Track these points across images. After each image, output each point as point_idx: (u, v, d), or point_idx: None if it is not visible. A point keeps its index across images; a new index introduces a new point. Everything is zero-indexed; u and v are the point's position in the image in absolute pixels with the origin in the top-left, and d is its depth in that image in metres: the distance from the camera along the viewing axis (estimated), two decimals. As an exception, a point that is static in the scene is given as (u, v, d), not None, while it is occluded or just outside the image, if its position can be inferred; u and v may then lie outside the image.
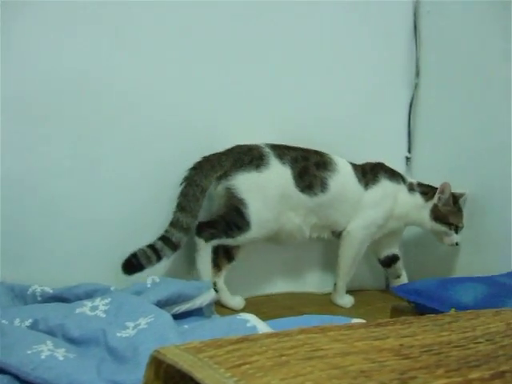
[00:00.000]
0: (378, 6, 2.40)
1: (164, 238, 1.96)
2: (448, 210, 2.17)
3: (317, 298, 2.20)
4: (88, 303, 1.54)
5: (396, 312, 1.85)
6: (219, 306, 1.98)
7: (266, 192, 2.04)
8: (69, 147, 1.96)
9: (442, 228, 2.18)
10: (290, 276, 2.18)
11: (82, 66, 1.95)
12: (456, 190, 2.19)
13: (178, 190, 2.03)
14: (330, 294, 2.26)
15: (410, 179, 2.26)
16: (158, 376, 0.86)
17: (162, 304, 1.61)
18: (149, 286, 1.74)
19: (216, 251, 2.08)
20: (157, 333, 1.36)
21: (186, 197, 2.00)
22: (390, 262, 2.34)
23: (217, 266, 2.08)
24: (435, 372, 0.76)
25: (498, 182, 2.15)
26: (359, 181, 2.18)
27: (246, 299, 2.14)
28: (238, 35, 2.17)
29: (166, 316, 1.45)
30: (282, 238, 2.14)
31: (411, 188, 2.22)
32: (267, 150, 2.08)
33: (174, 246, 1.96)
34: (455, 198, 2.18)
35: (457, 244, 2.18)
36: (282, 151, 2.09)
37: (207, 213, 2.10)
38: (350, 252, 2.19)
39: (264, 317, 1.52)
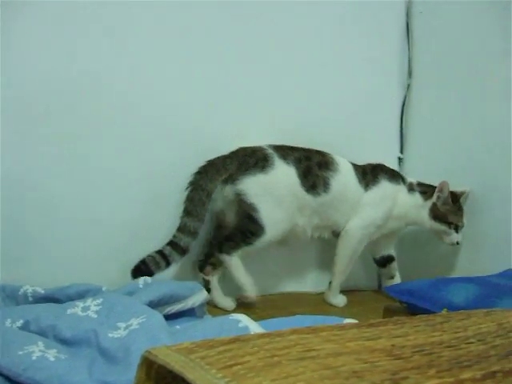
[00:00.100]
0: (371, 7, 2.40)
1: (172, 244, 1.98)
2: (447, 209, 2.16)
3: (310, 298, 2.20)
4: (80, 304, 1.53)
5: (388, 312, 1.85)
6: (211, 307, 1.98)
7: (274, 192, 2.06)
8: (69, 148, 1.97)
9: (442, 227, 2.17)
10: (282, 276, 2.18)
11: (82, 66, 1.96)
12: (455, 188, 2.19)
13: (176, 191, 2.05)
14: (323, 293, 2.26)
15: (410, 179, 2.26)
16: (150, 377, 0.86)
17: (154, 304, 1.60)
18: (141, 286, 1.73)
19: (212, 249, 2.09)
20: (148, 333, 1.35)
21: (192, 201, 2.02)
22: (385, 262, 2.35)
23: (212, 264, 2.10)
24: (427, 372, 0.76)
25: (491, 182, 2.16)
26: (359, 181, 2.19)
27: (239, 299, 2.14)
28: (235, 36, 2.18)
29: (157, 316, 1.44)
30: (286, 239, 2.16)
31: (411, 188, 2.23)
32: (270, 151, 2.09)
33: (182, 251, 1.98)
34: (456, 197, 2.17)
35: (457, 243, 2.17)
36: (285, 152, 2.11)
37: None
38: (346, 251, 2.20)
39: (256, 317, 1.52)
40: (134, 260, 1.95)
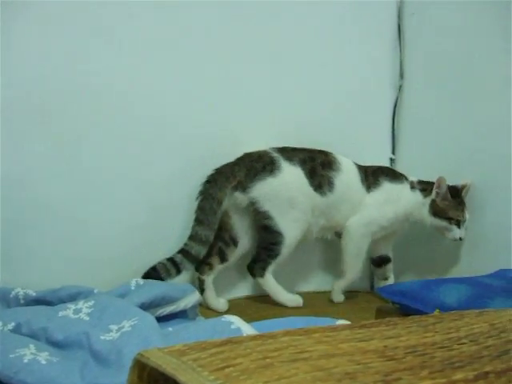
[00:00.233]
0: (363, 9, 2.40)
1: (183, 252, 2.00)
2: (446, 205, 2.14)
3: (303, 299, 2.19)
4: (71, 306, 1.53)
5: (381, 313, 1.85)
6: (204, 308, 1.98)
7: (285, 195, 2.08)
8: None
9: (442, 223, 2.14)
10: (276, 277, 2.17)
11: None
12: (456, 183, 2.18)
13: (175, 197, 2.09)
14: (315, 293, 2.26)
15: (411, 178, 2.25)
16: (142, 379, 0.85)
17: (146, 306, 1.60)
18: (133, 288, 1.73)
19: (210, 250, 2.09)
20: (140, 335, 1.35)
21: (203, 210, 2.04)
22: (381, 262, 2.34)
23: (209, 264, 2.10)
24: (419, 373, 0.76)
25: (485, 183, 2.15)
26: (362, 181, 2.19)
27: (231, 301, 2.14)
28: (230, 38, 2.18)
29: (149, 318, 1.44)
30: None
31: (412, 186, 2.22)
32: (276, 154, 2.11)
33: (193, 259, 2.00)
34: (458, 191, 2.15)
35: (460, 239, 2.12)
36: (289, 153, 2.12)
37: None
38: (349, 248, 2.20)
39: (249, 318, 1.52)
40: (132, 264, 1.96)
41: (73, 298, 1.65)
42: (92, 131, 2.00)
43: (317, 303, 2.21)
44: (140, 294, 1.65)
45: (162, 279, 1.93)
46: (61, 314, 1.50)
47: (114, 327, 1.41)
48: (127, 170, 2.05)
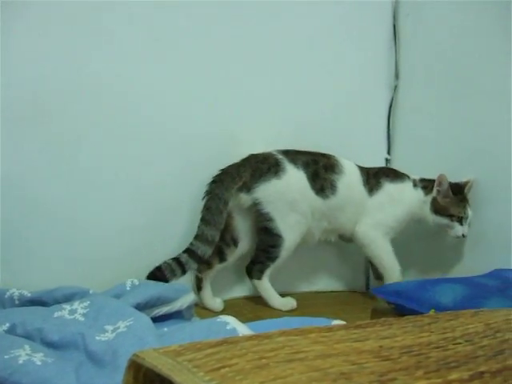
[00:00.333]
0: (358, 9, 2.40)
1: (189, 251, 2.00)
2: (447, 202, 2.13)
3: (299, 299, 2.19)
4: (67, 307, 1.53)
5: (376, 313, 1.86)
6: (199, 309, 1.98)
7: (288, 197, 2.09)
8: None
9: (444, 220, 2.14)
10: (272, 277, 2.17)
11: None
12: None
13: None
14: (311, 293, 2.27)
15: (413, 176, 2.25)
16: (137, 380, 0.85)
17: (142, 307, 1.60)
18: (128, 288, 1.72)
19: None
20: (136, 336, 1.35)
21: (209, 210, 2.04)
22: None
23: (207, 263, 2.10)
24: (415, 373, 0.76)
25: (482, 182, 2.15)
26: (364, 184, 2.20)
27: (227, 301, 2.14)
28: (227, 37, 2.19)
29: (145, 319, 1.43)
30: None
31: (414, 184, 2.22)
32: (281, 156, 2.12)
33: (199, 259, 2.00)
34: (460, 188, 2.14)
35: (463, 236, 2.11)
36: (293, 156, 2.13)
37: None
38: (372, 254, 2.22)
39: (244, 319, 1.52)
40: (132, 265, 1.96)
41: (68, 298, 1.65)
42: (92, 131, 2.00)
43: (312, 303, 2.21)
44: (135, 294, 1.64)
45: (166, 279, 1.93)
46: (56, 314, 1.49)
47: (109, 328, 1.41)
48: (127, 171, 2.06)
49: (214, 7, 2.14)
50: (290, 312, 2.05)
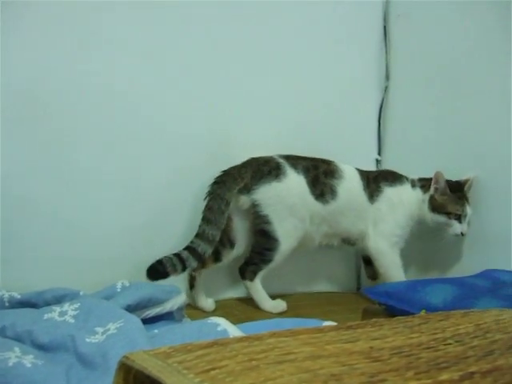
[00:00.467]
0: (348, 10, 2.41)
1: (190, 249, 2.00)
2: (445, 199, 2.12)
3: (290, 300, 2.19)
4: (57, 308, 1.52)
5: (367, 314, 1.86)
6: (190, 310, 1.97)
7: (287, 200, 2.09)
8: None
9: (442, 218, 2.13)
10: (263, 279, 2.16)
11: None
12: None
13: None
14: (302, 295, 2.27)
15: (411, 176, 2.24)
16: (127, 382, 0.85)
17: (132, 308, 1.60)
18: (119, 290, 1.72)
19: None
20: (126, 338, 1.34)
21: (211, 210, 2.04)
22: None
23: (202, 262, 2.09)
24: (405, 374, 0.76)
25: (473, 183, 2.16)
26: (364, 188, 2.20)
27: (218, 301, 2.14)
28: (217, 38, 2.20)
29: (135, 321, 1.43)
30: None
31: (413, 184, 2.22)
32: (281, 160, 2.14)
33: (199, 257, 2.00)
34: (460, 186, 2.13)
35: (462, 234, 2.10)
36: (294, 161, 2.15)
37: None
38: (380, 266, 2.22)
39: (236, 320, 1.52)
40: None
41: (58, 300, 1.64)
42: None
43: (304, 304, 2.21)
44: (126, 295, 1.64)
45: (167, 273, 1.93)
46: (46, 316, 1.49)
47: (99, 330, 1.40)
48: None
49: (214, 8, 2.15)
50: (281, 313, 2.05)
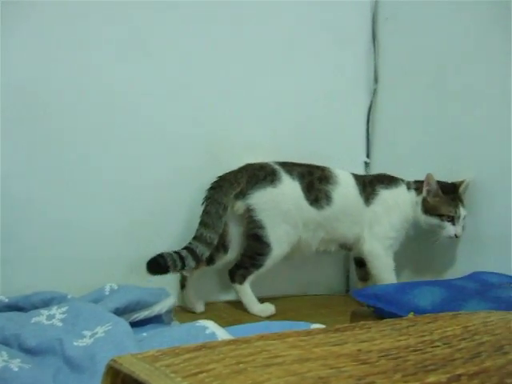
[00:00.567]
0: (337, 13, 2.42)
1: (188, 249, 2.01)
2: (437, 201, 2.12)
3: (279, 303, 2.19)
4: (45, 312, 1.51)
5: (356, 317, 1.86)
6: (179, 313, 1.97)
7: (281, 206, 2.10)
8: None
9: (434, 220, 2.12)
10: (252, 282, 2.17)
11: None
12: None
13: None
14: (291, 297, 2.26)
15: (407, 179, 2.25)
16: (115, 386, 0.84)
17: (121, 311, 1.59)
18: (107, 293, 1.72)
19: None
20: (114, 341, 1.33)
21: (208, 214, 2.06)
22: (363, 262, 2.31)
23: (199, 263, 2.09)
24: (392, 377, 0.76)
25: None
26: (360, 192, 2.21)
27: (208, 304, 2.14)
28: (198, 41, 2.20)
29: (123, 324, 1.42)
30: (290, 253, 2.18)
31: (408, 187, 2.22)
32: (277, 166, 2.15)
33: (196, 258, 2.00)
34: (455, 187, 2.13)
35: (456, 236, 2.09)
36: (289, 167, 2.16)
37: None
38: (372, 268, 2.22)
39: (224, 323, 1.51)
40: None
41: (46, 303, 1.63)
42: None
43: (292, 307, 2.21)
44: (114, 298, 1.63)
45: (168, 267, 1.93)
46: (34, 320, 1.48)
47: (87, 333, 1.39)
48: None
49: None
50: (270, 316, 2.05)
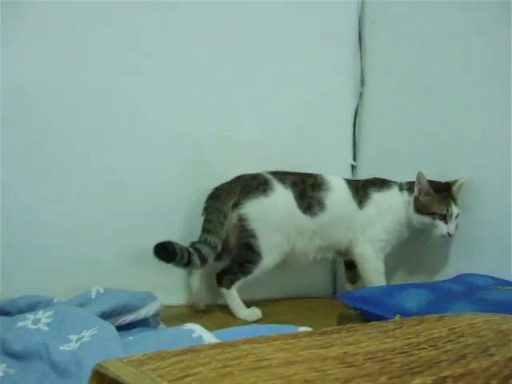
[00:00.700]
0: (323, 16, 2.42)
1: (194, 248, 2.00)
2: (428, 200, 2.11)
3: (266, 306, 2.19)
4: (30, 316, 1.50)
5: (343, 319, 1.87)
6: (166, 316, 1.96)
7: (274, 215, 2.10)
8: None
9: (426, 219, 2.11)
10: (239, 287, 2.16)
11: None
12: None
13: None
14: (278, 300, 2.26)
15: (399, 181, 2.25)
16: (101, 390, 0.84)
17: (107, 315, 1.58)
18: (93, 297, 1.71)
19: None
20: (100, 345, 1.33)
21: (210, 222, 2.08)
22: (353, 265, 2.31)
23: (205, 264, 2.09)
24: (378, 379, 0.76)
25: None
26: (353, 196, 2.21)
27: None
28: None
29: (109, 328, 1.42)
30: (287, 263, 2.19)
31: (401, 188, 2.23)
32: (269, 175, 2.15)
33: (202, 258, 2.00)
34: (448, 186, 2.12)
35: (449, 234, 2.08)
36: (281, 176, 2.16)
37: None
38: (362, 270, 2.22)
39: (212, 326, 1.51)
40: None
41: (32, 307, 1.63)
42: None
43: (279, 310, 2.21)
44: (100, 302, 1.63)
45: (175, 254, 1.92)
46: (19, 324, 1.47)
47: (73, 337, 1.39)
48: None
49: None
50: (257, 320, 2.05)
